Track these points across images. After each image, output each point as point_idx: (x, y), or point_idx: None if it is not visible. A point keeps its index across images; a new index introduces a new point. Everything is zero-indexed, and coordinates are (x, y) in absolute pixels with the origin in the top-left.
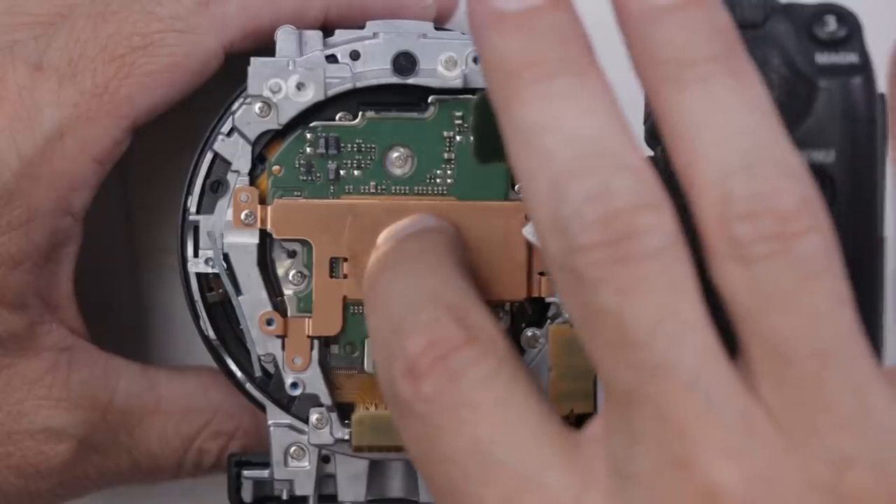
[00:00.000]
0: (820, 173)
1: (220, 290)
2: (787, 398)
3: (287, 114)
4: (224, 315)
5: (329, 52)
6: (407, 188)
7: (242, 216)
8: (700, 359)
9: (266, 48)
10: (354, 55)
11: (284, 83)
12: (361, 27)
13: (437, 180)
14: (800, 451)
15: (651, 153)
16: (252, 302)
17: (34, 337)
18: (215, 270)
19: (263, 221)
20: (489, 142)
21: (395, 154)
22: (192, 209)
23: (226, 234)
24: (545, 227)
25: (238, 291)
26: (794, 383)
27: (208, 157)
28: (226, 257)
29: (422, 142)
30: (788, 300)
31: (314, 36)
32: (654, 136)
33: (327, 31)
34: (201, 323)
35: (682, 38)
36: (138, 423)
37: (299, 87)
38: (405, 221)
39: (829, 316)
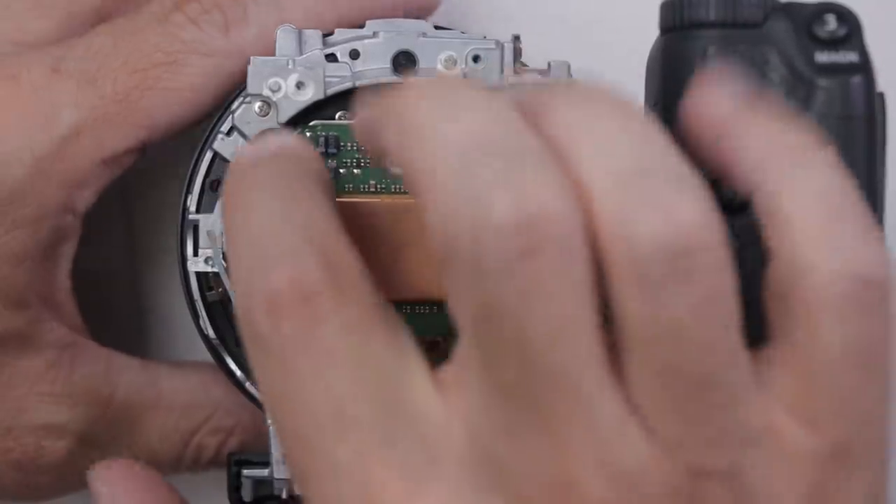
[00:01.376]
0: None
1: (220, 290)
2: (664, 412)
3: (287, 113)
4: (224, 314)
5: (329, 51)
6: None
7: None
8: (586, 365)
9: None
10: (354, 54)
11: (284, 82)
12: (361, 26)
13: None
14: (666, 460)
15: None
16: None
17: (35, 334)
18: (215, 269)
19: None
20: None
21: None
22: (192, 208)
23: (219, 228)
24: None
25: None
26: (674, 400)
27: (208, 156)
28: (225, 257)
29: None
30: (676, 326)
31: (314, 35)
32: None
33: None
34: (201, 322)
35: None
36: (138, 419)
37: (299, 86)
38: (264, 139)
39: (715, 343)
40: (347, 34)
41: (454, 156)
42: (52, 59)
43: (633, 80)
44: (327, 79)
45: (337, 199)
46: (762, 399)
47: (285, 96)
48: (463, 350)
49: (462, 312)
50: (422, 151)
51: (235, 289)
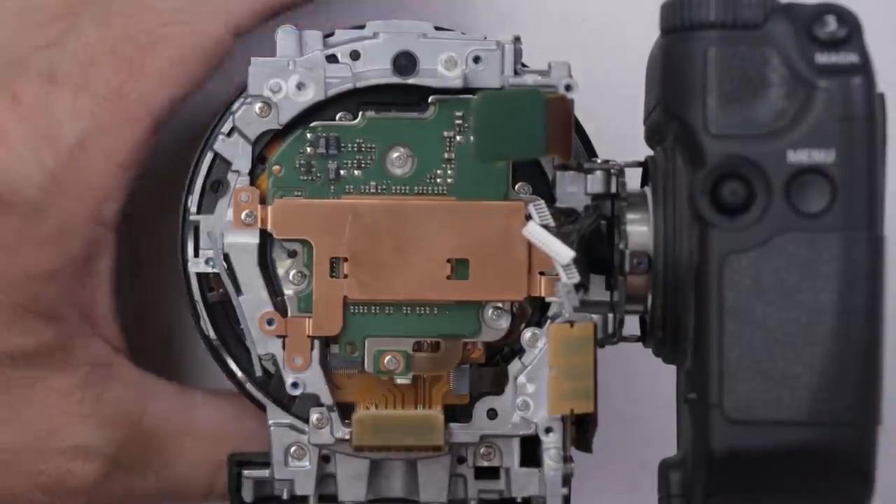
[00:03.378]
0: (819, 173)
1: (221, 290)
2: None
3: (287, 114)
4: (224, 314)
5: (329, 51)
6: (407, 188)
7: (243, 216)
8: None
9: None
10: (354, 55)
11: (284, 83)
12: (362, 26)
13: (438, 180)
14: None
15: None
16: (252, 302)
17: (69, 350)
18: (216, 270)
19: (264, 221)
20: (490, 141)
21: (396, 154)
22: (193, 209)
23: (226, 234)
24: None
25: (238, 291)
26: None
27: (208, 157)
28: (226, 257)
29: (422, 142)
30: None
31: (314, 36)
32: (654, 134)
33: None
34: (202, 323)
35: None
36: (168, 445)
37: (299, 86)
38: None
39: None
40: (348, 35)
41: None
42: (48, 65)
43: (632, 80)
44: (328, 79)
45: (338, 200)
46: None
47: (286, 97)
48: None
49: None
50: None
51: None
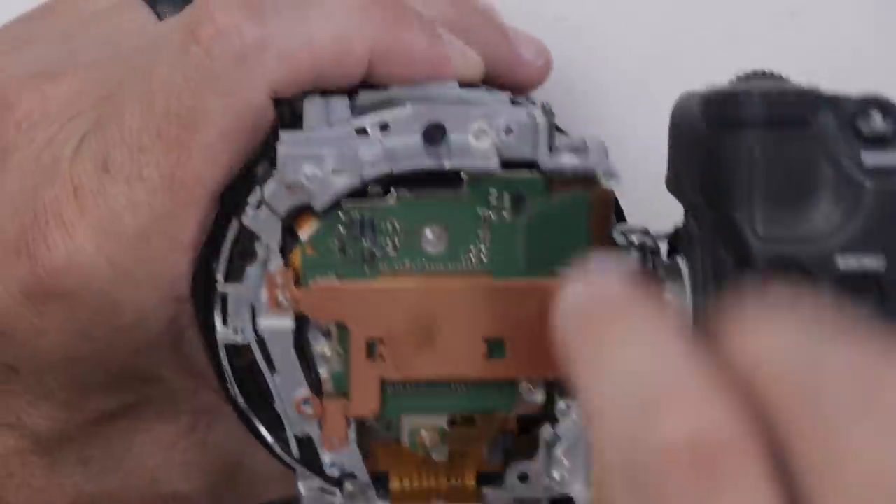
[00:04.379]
0: (867, 280)
1: (249, 358)
2: None
3: (323, 199)
4: (252, 379)
5: (358, 123)
6: (442, 266)
7: (278, 299)
8: None
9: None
10: (384, 127)
11: (320, 170)
12: (384, 86)
13: (472, 257)
14: None
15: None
16: (288, 383)
17: (173, 401)
18: (246, 343)
19: (298, 303)
20: (535, 253)
21: (429, 232)
22: (220, 278)
23: (260, 316)
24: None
25: (273, 371)
26: None
27: (234, 225)
28: (261, 340)
29: (456, 219)
30: None
31: (340, 103)
32: (683, 199)
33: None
34: (229, 388)
35: None
36: (265, 491)
37: (335, 172)
38: (602, 268)
39: None
40: (373, 96)
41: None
42: (100, 153)
43: (632, 80)
44: (360, 156)
45: (374, 282)
46: None
47: (321, 183)
48: None
49: None
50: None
51: (605, 422)
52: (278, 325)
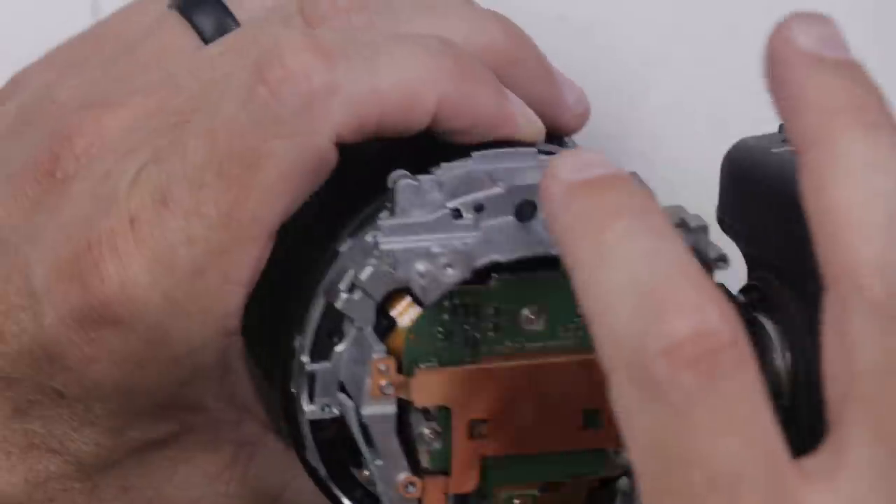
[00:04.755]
0: None
1: (332, 429)
2: (877, 496)
3: (434, 295)
4: (332, 450)
5: (452, 204)
6: (541, 343)
7: (381, 386)
8: (770, 469)
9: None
10: (479, 208)
11: (433, 266)
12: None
13: (570, 333)
14: None
15: None
16: (391, 468)
17: (216, 431)
18: (332, 416)
19: (400, 389)
20: None
21: (527, 311)
22: (305, 357)
23: (363, 404)
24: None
25: (376, 457)
26: (892, 479)
27: (321, 304)
28: (363, 426)
29: (554, 298)
30: None
31: (429, 183)
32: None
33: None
34: (308, 456)
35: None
36: None
37: (447, 267)
38: (590, 158)
39: None
40: (456, 172)
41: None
42: (160, 188)
43: (632, 80)
44: (467, 247)
45: (477, 366)
46: None
47: (433, 279)
48: (843, 434)
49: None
50: (610, 280)
51: (607, 319)
52: (382, 411)
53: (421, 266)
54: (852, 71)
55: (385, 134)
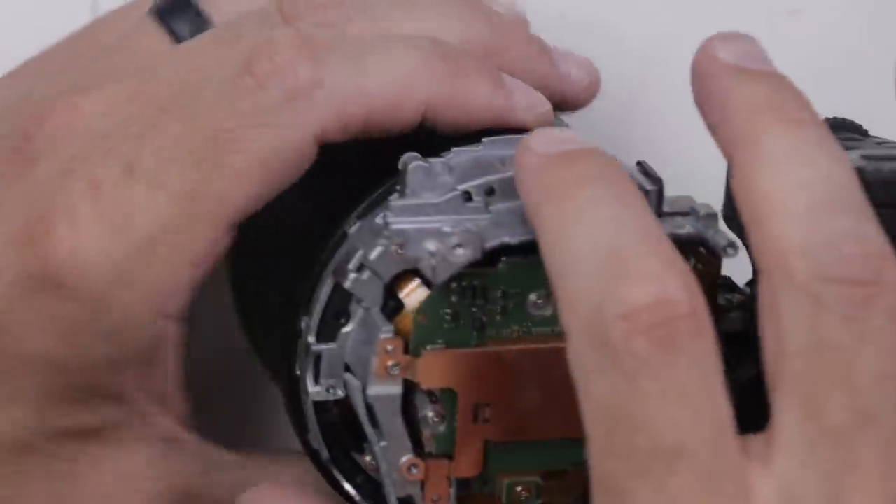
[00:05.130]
0: None
1: (335, 412)
2: (808, 472)
3: (444, 275)
4: (335, 434)
5: (463, 187)
6: (547, 328)
7: (388, 367)
8: (713, 443)
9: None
10: (489, 191)
11: (443, 245)
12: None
13: None
14: None
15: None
16: (395, 449)
17: (135, 427)
18: (339, 396)
19: (406, 370)
20: None
21: (534, 296)
22: (311, 338)
23: (370, 384)
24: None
25: (381, 438)
26: (821, 454)
27: (329, 284)
28: (369, 407)
29: None
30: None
31: (440, 166)
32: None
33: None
34: (311, 440)
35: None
36: None
37: (457, 247)
38: (560, 133)
39: (876, 385)
40: (466, 157)
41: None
42: (128, 159)
43: (631, 80)
44: (468, 222)
45: (485, 348)
46: None
47: (442, 259)
48: (777, 414)
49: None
50: (578, 246)
51: (569, 282)
52: (387, 392)
53: (431, 245)
54: (773, 79)
55: (372, 134)
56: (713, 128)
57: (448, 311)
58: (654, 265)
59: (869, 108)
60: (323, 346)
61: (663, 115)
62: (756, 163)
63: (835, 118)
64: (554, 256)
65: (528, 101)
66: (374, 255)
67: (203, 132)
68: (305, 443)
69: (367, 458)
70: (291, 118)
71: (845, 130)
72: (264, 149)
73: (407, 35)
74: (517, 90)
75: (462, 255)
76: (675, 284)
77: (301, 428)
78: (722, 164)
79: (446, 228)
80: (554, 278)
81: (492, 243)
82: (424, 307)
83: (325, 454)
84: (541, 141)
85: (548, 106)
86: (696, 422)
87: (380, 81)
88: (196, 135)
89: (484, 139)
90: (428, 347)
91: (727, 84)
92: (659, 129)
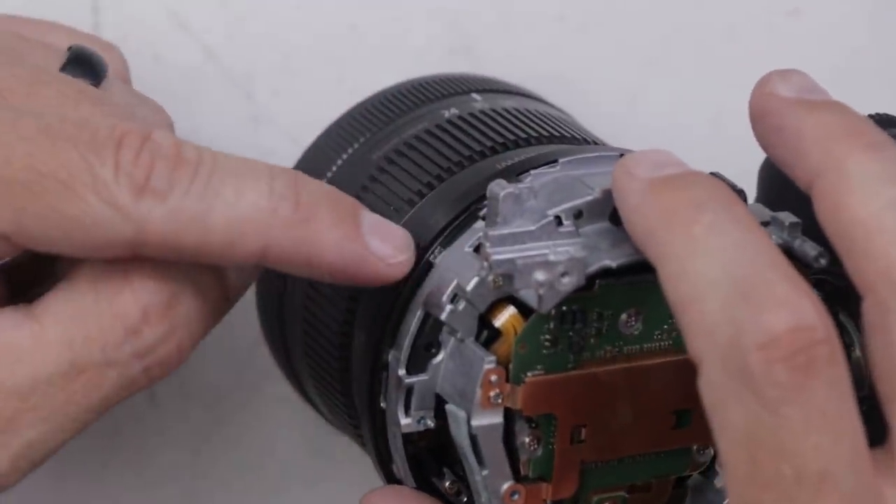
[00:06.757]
0: None
1: (422, 444)
2: None
3: (550, 304)
4: (416, 464)
5: (554, 212)
6: (637, 347)
7: (490, 396)
8: (853, 465)
9: None
10: (577, 215)
11: (551, 275)
12: (552, 162)
13: (664, 335)
14: None
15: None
16: (496, 477)
17: None
18: (427, 427)
19: (508, 398)
20: None
21: (625, 315)
22: (401, 370)
23: (474, 415)
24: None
25: (482, 466)
26: None
27: (418, 315)
28: (473, 438)
29: (652, 302)
30: None
31: (525, 191)
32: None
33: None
34: (395, 470)
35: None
36: None
37: (563, 276)
38: (659, 155)
39: None
40: (545, 179)
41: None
42: None
43: (632, 80)
44: (580, 253)
45: (582, 371)
46: None
47: (550, 288)
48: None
49: None
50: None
51: (698, 310)
52: (490, 421)
53: (540, 275)
54: (838, 107)
55: (200, 261)
56: (787, 162)
57: (547, 337)
58: (787, 291)
59: (869, 108)
60: (414, 379)
61: (663, 115)
62: (845, 188)
63: (878, 115)
64: (679, 285)
65: (383, 252)
66: (470, 285)
67: (54, 153)
68: (389, 474)
69: (447, 484)
70: (128, 213)
71: (892, 127)
72: (87, 215)
73: (273, 166)
74: (374, 238)
75: (569, 283)
76: (809, 310)
77: (384, 459)
78: (721, 165)
79: (552, 258)
80: (679, 306)
81: (593, 268)
82: (525, 336)
83: (411, 483)
84: (643, 165)
85: (409, 254)
86: (837, 446)
87: (220, 218)
88: (48, 151)
89: (560, 159)
90: (528, 374)
91: (797, 118)
92: (659, 130)
